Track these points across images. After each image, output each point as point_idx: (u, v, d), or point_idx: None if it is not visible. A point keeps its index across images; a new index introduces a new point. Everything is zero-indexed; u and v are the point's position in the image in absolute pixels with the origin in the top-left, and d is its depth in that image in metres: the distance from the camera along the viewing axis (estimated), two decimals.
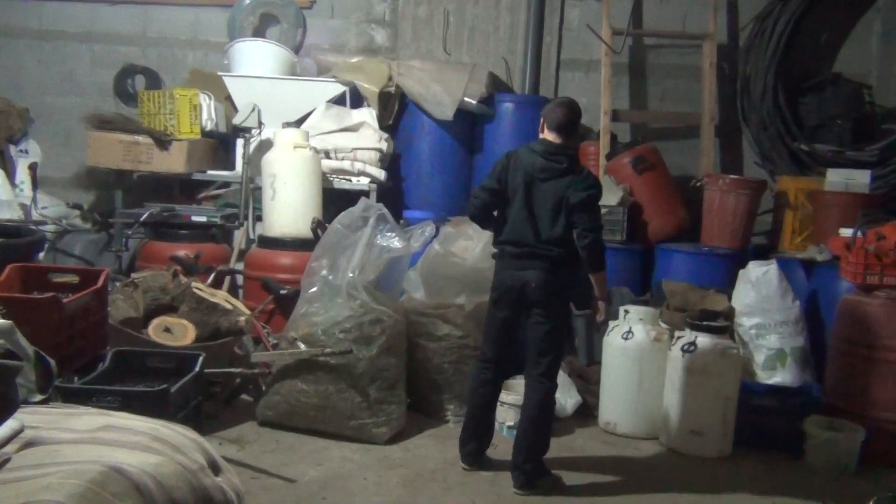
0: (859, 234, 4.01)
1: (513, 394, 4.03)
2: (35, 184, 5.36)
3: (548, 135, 3.41)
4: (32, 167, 5.40)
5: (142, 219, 4.86)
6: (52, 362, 2.30)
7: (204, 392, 3.64)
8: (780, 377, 4.21)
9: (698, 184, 5.23)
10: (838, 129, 5.53)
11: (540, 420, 3.41)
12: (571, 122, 3.41)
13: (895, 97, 5.71)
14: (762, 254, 4.93)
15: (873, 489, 3.39)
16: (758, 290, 4.29)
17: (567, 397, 4.19)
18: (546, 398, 3.43)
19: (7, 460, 1.59)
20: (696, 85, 5.76)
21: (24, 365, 2.02)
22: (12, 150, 5.48)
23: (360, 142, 5.15)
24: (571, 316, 4.62)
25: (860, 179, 4.89)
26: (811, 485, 3.65)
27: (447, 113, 5.25)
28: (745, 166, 5.87)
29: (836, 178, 4.94)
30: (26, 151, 5.49)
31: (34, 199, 5.23)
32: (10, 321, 2.06)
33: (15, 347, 1.96)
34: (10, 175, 5.36)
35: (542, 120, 3.41)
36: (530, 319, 3.38)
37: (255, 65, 5.45)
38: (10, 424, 1.67)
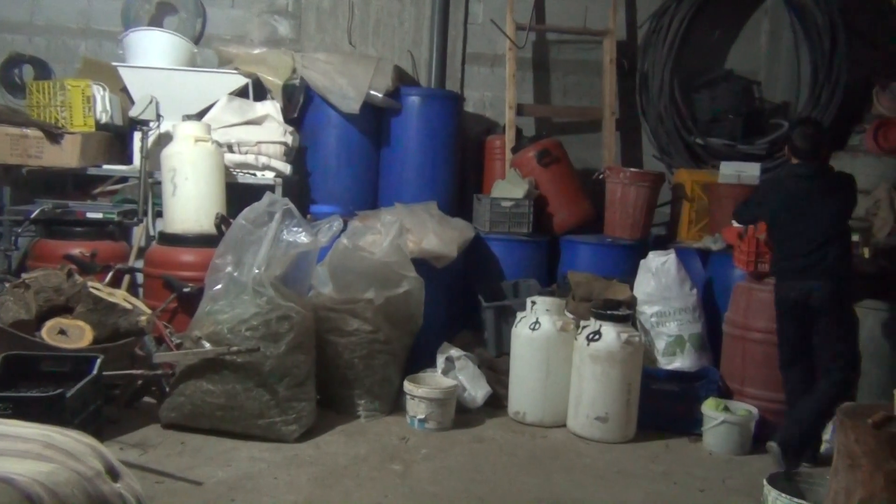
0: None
1: (423, 387, 4.05)
2: None
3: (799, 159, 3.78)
4: None
5: (32, 216, 4.64)
6: None
7: (103, 396, 3.53)
8: (680, 363, 4.37)
9: (600, 177, 5.36)
10: (730, 124, 5.77)
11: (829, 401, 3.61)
12: (821, 144, 3.81)
13: (782, 93, 6.01)
14: (661, 244, 5.10)
15: (767, 467, 3.55)
16: (658, 279, 4.44)
17: (477, 388, 4.24)
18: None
19: None
20: (597, 80, 5.90)
21: None
22: None
23: (265, 135, 5.06)
24: (481, 308, 4.69)
25: (751, 172, 5.12)
26: (709, 465, 3.81)
27: (353, 106, 5.21)
28: (644, 160, 6.05)
29: (729, 171, 5.15)
30: None
31: None
32: None
33: None
34: None
35: (789, 145, 3.81)
36: (819, 326, 3.68)
37: (153, 55, 5.26)
38: None
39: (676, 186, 5.49)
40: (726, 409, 4.01)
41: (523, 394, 4.21)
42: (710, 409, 4.00)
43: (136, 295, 4.47)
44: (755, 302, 4.11)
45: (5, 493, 1.44)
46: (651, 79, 5.87)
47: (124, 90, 5.24)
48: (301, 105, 5.41)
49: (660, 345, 4.43)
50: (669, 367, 4.35)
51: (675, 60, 5.80)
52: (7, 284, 3.98)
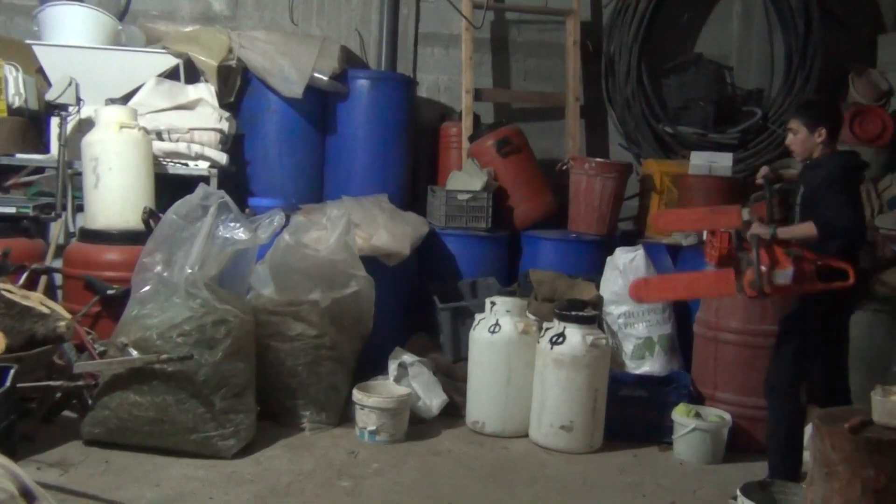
0: None
1: (374, 396, 4.03)
2: None
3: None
4: None
5: None
6: None
7: (17, 410, 3.45)
8: (649, 366, 4.43)
9: (564, 167, 5.40)
10: (701, 111, 5.87)
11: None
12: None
13: (755, 78, 6.13)
14: (629, 239, 5.16)
15: (742, 476, 3.62)
16: (625, 277, 4.48)
17: (432, 397, 4.24)
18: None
19: None
20: (560, 63, 5.94)
21: None
22: None
23: (198, 121, 4.99)
24: (436, 309, 4.69)
25: (723, 162, 5.22)
26: (679, 475, 3.87)
27: (296, 90, 5.16)
28: (611, 149, 6.12)
29: (700, 162, 5.24)
30: None
31: None
32: None
33: None
34: None
35: (837, 128, 3.56)
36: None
37: (72, 32, 5.15)
38: None
39: (645, 178, 5.56)
40: (698, 415, 4.07)
41: (483, 402, 4.22)
42: (681, 415, 4.06)
43: (54, 298, 4.38)
44: (727, 301, 4.17)
45: None
46: (617, 63, 5.93)
47: (40, 71, 5.12)
48: (238, 88, 5.35)
49: (628, 347, 4.48)
50: (638, 372, 4.41)
51: (642, 43, 5.88)
52: None
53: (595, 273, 4.72)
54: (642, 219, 5.53)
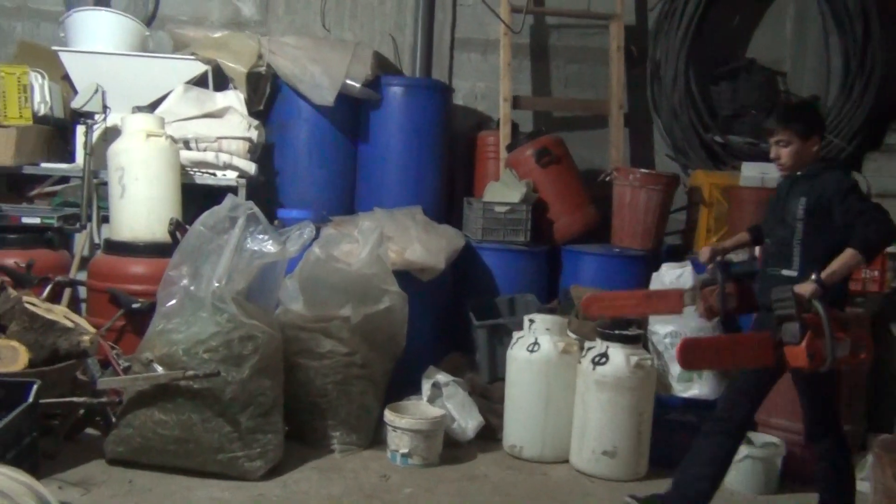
0: None
1: (406, 417, 4.03)
2: None
3: None
4: None
5: None
6: None
7: (40, 426, 3.50)
8: (697, 390, 4.37)
9: (607, 178, 5.37)
10: (753, 120, 5.82)
11: None
12: None
13: (810, 85, 6.06)
14: (676, 255, 5.12)
15: None
16: None
17: (468, 419, 4.23)
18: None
19: None
20: (603, 70, 5.93)
21: None
22: None
23: (226, 130, 5.04)
24: (472, 327, 4.68)
25: (776, 174, 5.11)
26: None
27: (327, 98, 5.21)
28: (656, 159, 6.08)
29: (752, 173, 5.18)
30: None
31: None
32: None
33: None
34: None
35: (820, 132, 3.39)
36: None
37: (98, 39, 5.25)
38: None
39: (692, 190, 5.52)
40: (750, 442, 4.01)
41: (521, 425, 4.19)
42: None
43: (78, 311, 4.44)
44: None
45: None
46: (664, 68, 5.90)
47: (66, 78, 5.23)
48: (268, 96, 5.41)
49: (674, 369, 4.44)
50: (685, 395, 4.36)
51: (690, 48, 5.84)
52: None
53: (639, 290, 4.68)
54: (690, 233, 5.48)
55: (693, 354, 2.96)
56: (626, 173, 5.30)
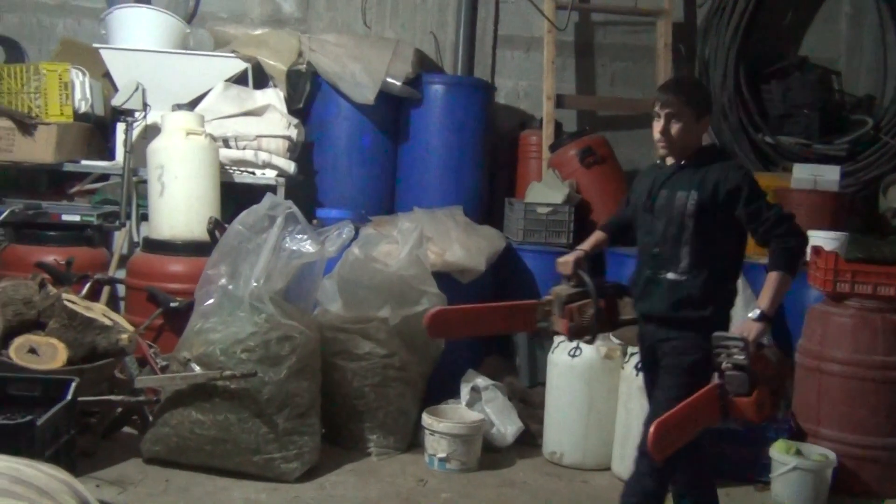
0: None
1: (445, 421, 4.04)
2: None
3: None
4: None
5: (0, 218, 4.70)
6: None
7: (78, 424, 3.55)
8: None
9: None
10: (805, 120, 5.74)
11: None
12: None
13: (865, 85, 5.98)
14: None
15: None
16: None
17: (507, 424, 4.23)
18: None
19: None
20: (649, 68, 5.89)
21: None
22: None
23: (265, 128, 5.09)
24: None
25: (829, 176, 5.08)
26: None
27: (368, 96, 5.23)
28: None
29: (804, 175, 5.11)
30: None
31: None
32: None
33: None
34: None
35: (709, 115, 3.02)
36: None
37: (139, 36, 5.33)
38: None
39: None
40: (798, 452, 3.95)
41: (561, 431, 4.18)
42: (780, 452, 3.95)
43: (116, 309, 4.51)
44: (833, 328, 4.07)
45: None
46: (713, 67, 5.85)
47: (107, 75, 5.31)
48: (308, 94, 5.45)
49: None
50: None
51: (740, 46, 5.78)
52: None
53: None
54: None
55: (667, 440, 2.53)
56: None
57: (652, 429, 2.48)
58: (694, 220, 2.81)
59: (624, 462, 4.01)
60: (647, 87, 5.90)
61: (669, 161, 2.95)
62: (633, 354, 4.04)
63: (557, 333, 3.03)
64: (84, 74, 5.19)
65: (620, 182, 5.42)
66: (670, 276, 2.85)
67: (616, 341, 4.24)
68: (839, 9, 6.06)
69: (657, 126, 2.87)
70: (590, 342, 3.22)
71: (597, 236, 3.25)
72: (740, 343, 2.64)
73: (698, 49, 5.95)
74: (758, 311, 2.73)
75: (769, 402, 2.65)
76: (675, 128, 2.84)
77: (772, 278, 2.77)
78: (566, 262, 3.07)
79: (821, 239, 4.45)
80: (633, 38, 6.01)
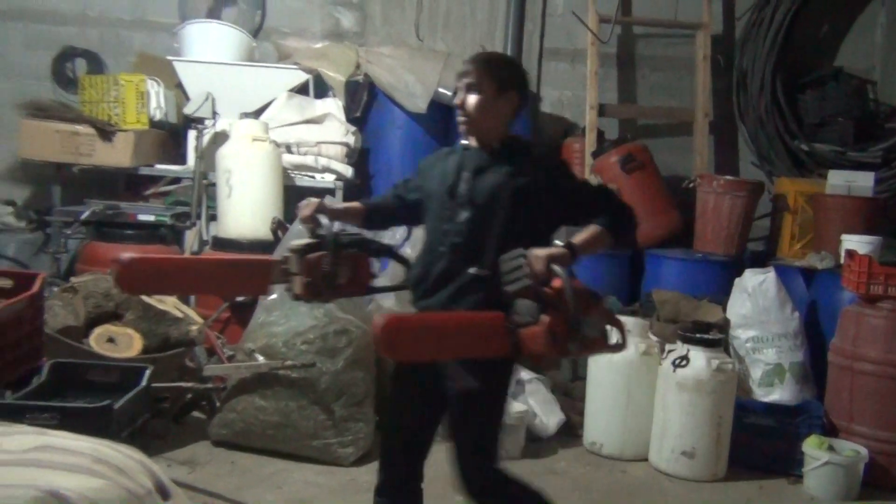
0: None
1: None
2: None
3: None
4: None
5: (83, 217, 4.80)
6: None
7: (151, 408, 3.62)
8: (778, 394, 4.25)
9: (691, 185, 5.27)
10: (840, 128, 5.62)
11: None
12: None
13: None
14: (759, 261, 4.98)
15: None
16: (754, 301, 4.33)
17: (549, 416, 4.21)
18: None
19: None
20: (688, 78, 5.82)
21: None
22: None
23: (325, 135, 5.13)
24: None
25: (863, 182, 4.97)
26: None
27: (420, 105, 5.25)
28: (741, 167, 5.93)
29: (838, 181, 5.01)
30: None
31: None
32: None
33: None
34: None
35: (524, 105, 2.60)
36: None
37: (210, 49, 5.40)
38: None
39: (777, 197, 5.36)
40: (831, 448, 3.88)
41: (601, 423, 4.15)
42: (813, 447, 3.88)
43: (187, 303, 4.57)
44: (866, 328, 3.98)
45: None
46: (750, 77, 5.75)
47: (179, 86, 5.39)
48: (364, 103, 5.47)
49: (756, 374, 4.32)
50: (766, 400, 4.24)
51: (777, 57, 5.68)
52: (56, 289, 4.12)
53: (721, 295, 4.57)
54: (774, 240, 5.33)
55: (400, 338, 2.04)
56: (710, 180, 5.19)
57: (387, 319, 1.99)
58: (505, 211, 2.33)
59: (661, 454, 3.98)
60: (686, 97, 5.84)
61: (474, 144, 2.49)
62: (670, 352, 4.00)
63: (299, 297, 2.37)
64: (159, 85, 5.27)
65: (659, 186, 5.36)
66: (472, 270, 2.32)
67: (654, 339, 4.20)
68: (875, 20, 5.91)
69: (457, 99, 2.45)
70: (325, 301, 2.60)
71: (353, 206, 2.66)
72: (527, 267, 2.18)
73: (736, 60, 5.86)
74: (565, 241, 2.28)
75: (563, 335, 2.13)
76: (472, 99, 2.41)
77: (593, 227, 2.35)
78: (308, 203, 2.46)
79: (854, 243, 4.36)
80: (673, 50, 5.94)
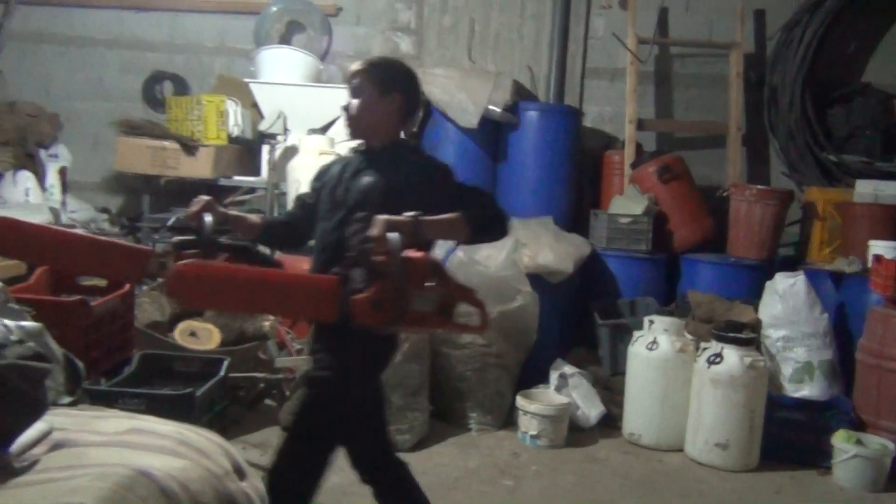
0: None
1: (536, 403, 4.01)
2: (65, 188, 5.43)
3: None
4: (62, 171, 5.47)
5: (169, 223, 4.90)
6: (81, 365, 2.31)
7: (228, 396, 3.67)
8: (808, 390, 4.14)
9: (724, 194, 5.18)
10: (867, 140, 5.45)
11: None
12: None
13: None
14: (789, 265, 4.86)
15: None
16: (785, 302, 4.23)
17: (591, 407, 4.16)
18: None
19: (36, 462, 1.59)
20: (722, 94, 5.71)
21: (54, 367, 2.03)
22: (43, 154, 5.55)
23: None
24: (596, 325, 4.61)
25: (890, 190, 4.82)
26: (839, 500, 3.59)
27: (472, 121, 5.24)
28: (772, 177, 5.80)
29: (866, 190, 4.87)
30: (56, 156, 5.56)
31: (63, 203, 5.28)
32: (39, 324, 2.07)
33: (44, 350, 1.97)
34: (41, 179, 5.43)
35: (413, 111, 2.42)
36: None
37: (282, 72, 5.48)
38: (40, 426, 1.67)
39: (807, 205, 5.23)
40: (859, 442, 3.76)
41: (639, 415, 4.10)
42: (842, 441, 3.77)
43: None
44: (893, 328, 3.85)
45: (145, 485, 1.52)
46: (781, 93, 5.62)
47: (255, 105, 5.47)
48: (421, 120, 5.49)
49: (786, 371, 4.22)
50: (797, 395, 4.13)
51: (807, 73, 5.53)
52: (144, 287, 4.21)
53: (753, 297, 4.47)
54: (803, 245, 5.20)
55: (190, 285, 1.86)
56: (742, 189, 5.08)
57: (185, 266, 1.84)
58: (376, 211, 2.07)
59: (696, 445, 3.91)
60: (720, 111, 5.72)
61: (363, 147, 2.37)
62: (705, 349, 3.93)
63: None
64: (236, 104, 5.36)
65: (694, 195, 5.27)
66: (335, 270, 2.08)
67: (689, 337, 4.13)
68: None
69: (343, 102, 2.34)
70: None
71: (251, 217, 2.53)
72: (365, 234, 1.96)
73: (767, 77, 5.73)
74: (413, 213, 2.04)
75: (388, 305, 1.92)
76: (355, 102, 2.29)
77: (452, 214, 2.11)
78: (198, 201, 2.33)
79: (882, 248, 4.24)
80: (707, 68, 5.83)
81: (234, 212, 2.52)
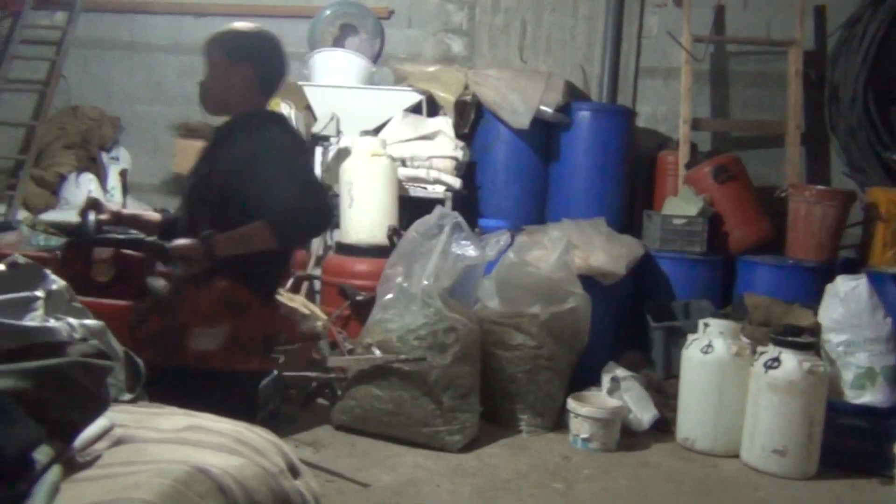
0: None
1: (587, 405, 3.97)
2: (125, 189, 5.57)
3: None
4: (122, 173, 5.62)
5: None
6: (141, 363, 2.36)
7: (282, 395, 3.71)
8: (870, 397, 4.01)
9: (783, 194, 5.06)
10: None
11: None
12: None
13: None
14: (850, 268, 4.72)
15: None
16: (846, 306, 4.11)
17: (644, 411, 4.11)
18: None
19: (98, 457, 1.63)
20: (780, 93, 5.58)
21: (115, 365, 2.07)
22: (104, 156, 5.71)
23: (436, 150, 5.17)
24: (649, 328, 4.55)
25: None
26: None
27: (523, 121, 5.22)
28: (832, 177, 5.65)
29: None
30: (117, 158, 5.72)
31: (124, 204, 5.42)
32: (101, 322, 2.13)
33: (106, 348, 2.01)
34: (102, 181, 5.59)
35: (271, 79, 2.38)
36: None
37: (335, 74, 5.54)
38: (101, 423, 1.71)
39: (869, 206, 5.07)
40: None
41: (693, 420, 4.03)
42: None
43: (313, 301, 4.69)
44: None
45: (203, 482, 1.55)
46: (842, 90, 5.46)
47: (308, 107, 5.52)
48: (472, 121, 5.50)
49: (847, 376, 4.09)
50: (858, 402, 4.01)
51: (869, 70, 5.37)
52: None
53: (812, 300, 4.35)
54: (865, 247, 5.05)
55: None
56: (801, 190, 4.96)
57: None
58: (211, 193, 1.97)
59: (752, 451, 3.82)
60: (777, 109, 5.60)
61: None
62: (762, 354, 3.85)
63: None
64: (291, 107, 5.41)
65: (751, 196, 5.17)
66: (166, 244, 1.96)
67: (746, 341, 4.05)
68: None
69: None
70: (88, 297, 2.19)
71: (148, 214, 2.46)
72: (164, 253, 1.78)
73: (828, 75, 5.57)
74: (206, 232, 1.93)
75: (162, 340, 1.79)
76: (206, 75, 2.23)
77: (253, 224, 1.96)
78: (87, 199, 2.26)
79: None
80: (765, 66, 5.71)
81: (128, 210, 2.49)
